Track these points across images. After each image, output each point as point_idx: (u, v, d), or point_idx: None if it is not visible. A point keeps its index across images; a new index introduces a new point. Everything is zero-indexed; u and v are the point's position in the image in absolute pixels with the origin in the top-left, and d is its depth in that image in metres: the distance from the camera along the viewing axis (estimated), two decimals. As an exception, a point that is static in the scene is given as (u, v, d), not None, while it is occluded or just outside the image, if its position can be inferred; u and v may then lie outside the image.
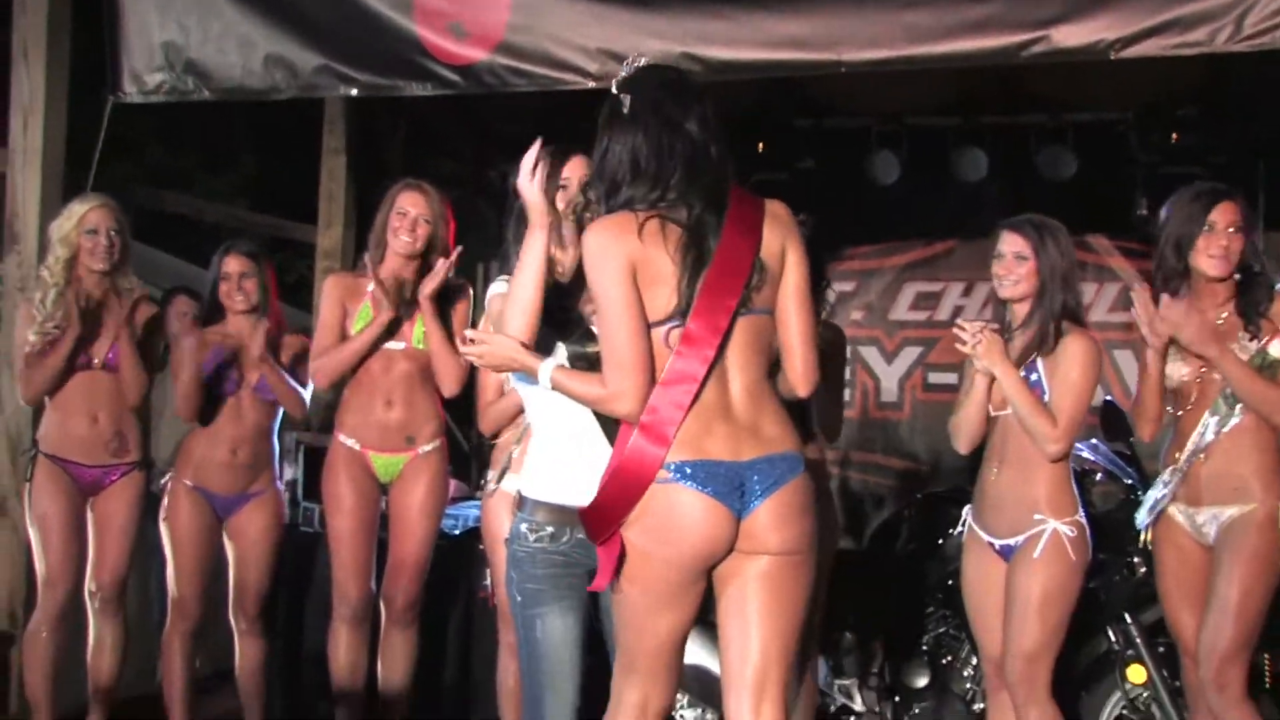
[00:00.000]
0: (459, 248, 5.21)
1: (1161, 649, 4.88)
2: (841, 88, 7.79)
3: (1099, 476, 5.04)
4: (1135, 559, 4.99)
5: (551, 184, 3.82)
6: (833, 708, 5.62)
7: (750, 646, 3.28)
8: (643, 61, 3.45)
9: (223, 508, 5.44)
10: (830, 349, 4.92)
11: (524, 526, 3.63)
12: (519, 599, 3.63)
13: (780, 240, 3.32)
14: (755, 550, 3.24)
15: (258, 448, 5.48)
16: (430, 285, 5.10)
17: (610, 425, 3.33)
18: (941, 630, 5.59)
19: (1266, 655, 4.72)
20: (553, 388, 3.34)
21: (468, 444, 8.38)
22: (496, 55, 5.66)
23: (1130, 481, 5.01)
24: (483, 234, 8.91)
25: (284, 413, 5.60)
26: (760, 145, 8.82)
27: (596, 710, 3.50)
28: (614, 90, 3.38)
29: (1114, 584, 5.02)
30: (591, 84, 5.37)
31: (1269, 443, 4.29)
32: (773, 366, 3.40)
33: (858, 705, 5.64)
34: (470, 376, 5.05)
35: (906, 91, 7.79)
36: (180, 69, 6.07)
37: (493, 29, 5.65)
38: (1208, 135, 8.31)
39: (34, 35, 6.06)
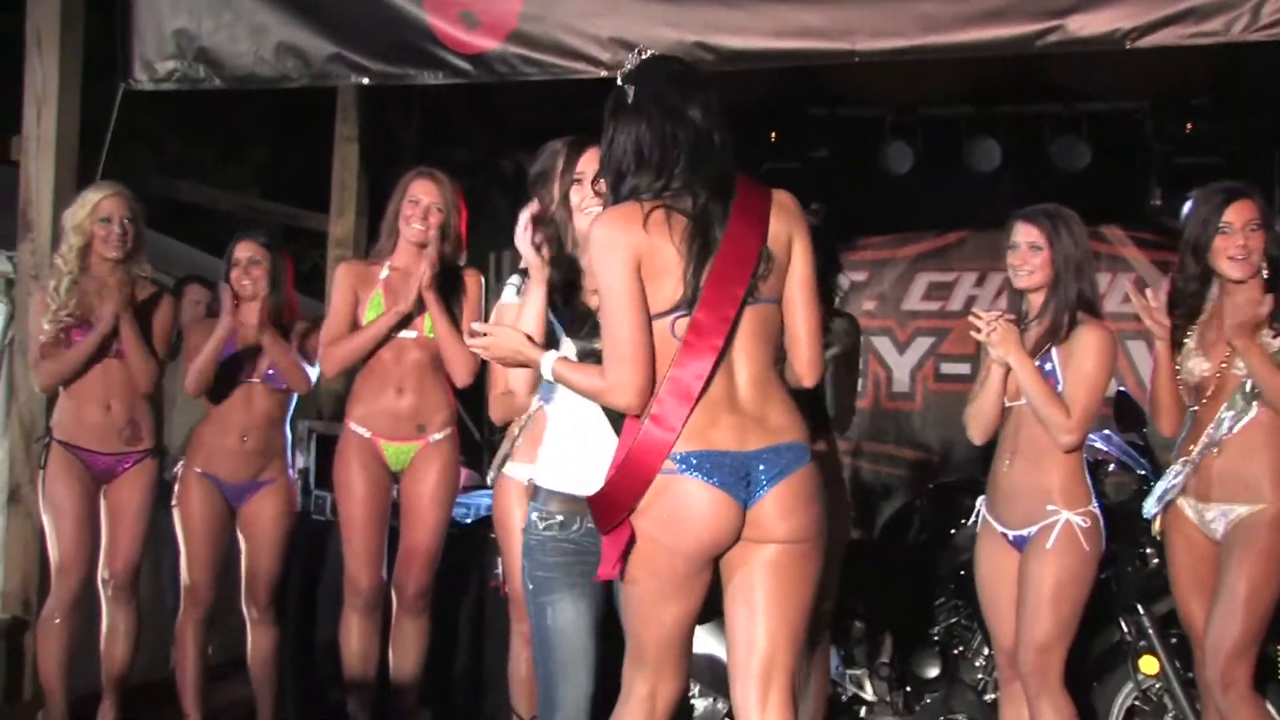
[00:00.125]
0: (446, 241, 5.19)
1: (1174, 640, 4.87)
2: (855, 77, 7.77)
3: (1112, 467, 5.04)
4: (1148, 550, 4.98)
5: (566, 177, 3.82)
6: (844, 697, 5.62)
7: (757, 635, 3.28)
8: (648, 53, 3.45)
9: (234, 495, 5.45)
10: (845, 339, 4.92)
11: (535, 515, 3.65)
12: (531, 587, 3.65)
13: (787, 230, 3.33)
14: (762, 539, 3.24)
15: (267, 436, 5.48)
16: (427, 275, 5.08)
17: (617, 417, 3.34)
18: (953, 620, 5.59)
19: (1279, 647, 4.70)
20: (554, 379, 3.37)
21: (479, 433, 8.40)
22: (509, 44, 5.66)
23: (1143, 472, 5.00)
24: (495, 222, 8.92)
25: (297, 402, 5.61)
26: (773, 134, 8.82)
27: (617, 698, 3.50)
28: (619, 82, 3.39)
29: (1127, 575, 5.01)
30: (604, 73, 5.36)
31: None
32: (779, 355, 3.41)
33: (869, 695, 5.65)
34: (482, 365, 5.06)
35: (920, 81, 7.77)
36: (192, 57, 6.08)
37: (505, 18, 5.65)
38: (1223, 125, 8.29)
39: (48, 24, 6.06)
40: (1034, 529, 4.31)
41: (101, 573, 5.41)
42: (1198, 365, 4.37)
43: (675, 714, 3.44)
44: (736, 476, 3.20)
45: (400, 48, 5.81)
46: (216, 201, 9.72)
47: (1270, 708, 4.44)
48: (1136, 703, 5.01)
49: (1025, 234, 4.39)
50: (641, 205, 3.23)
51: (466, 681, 5.91)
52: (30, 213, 6.04)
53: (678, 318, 3.22)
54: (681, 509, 3.19)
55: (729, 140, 3.32)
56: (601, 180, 3.44)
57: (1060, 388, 4.29)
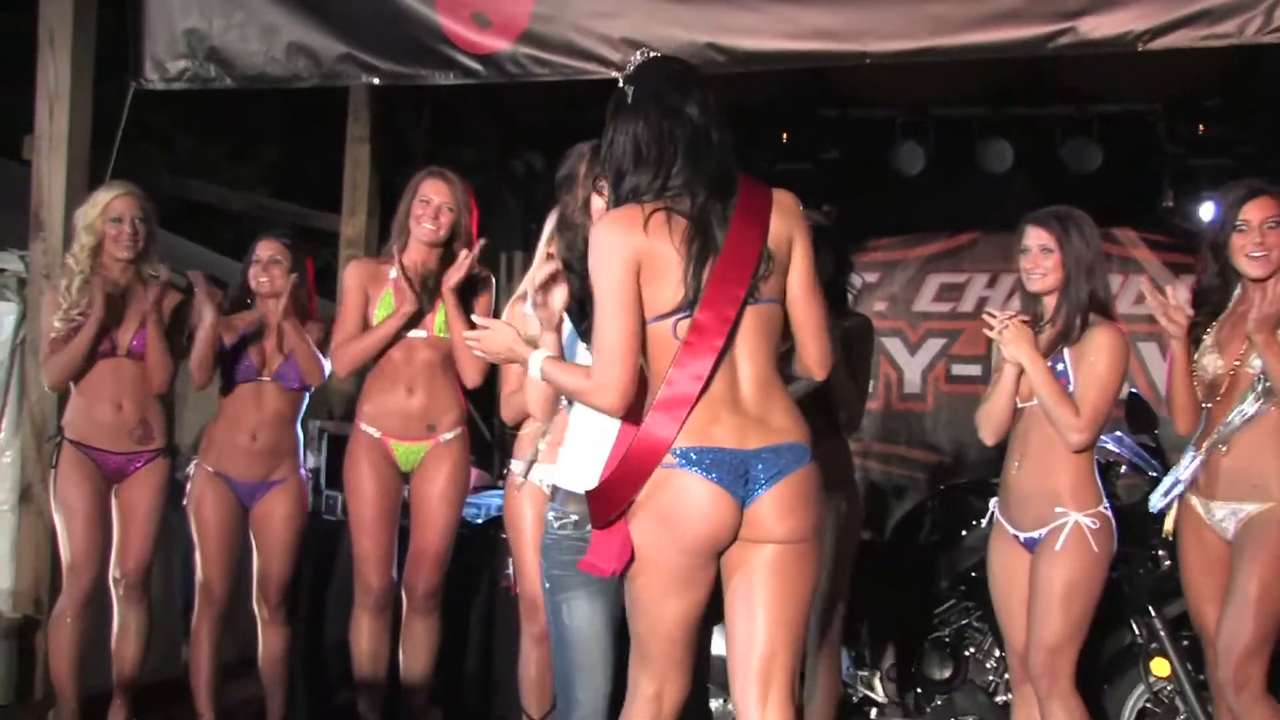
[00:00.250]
0: (483, 239, 5.21)
1: (1186, 642, 4.86)
2: (867, 78, 7.77)
3: (1124, 469, 5.04)
4: (1160, 552, 4.98)
5: (589, 182, 3.84)
6: (855, 699, 5.62)
7: (757, 635, 3.30)
8: (648, 54, 3.49)
9: (246, 495, 5.46)
10: (858, 339, 4.92)
11: (551, 515, 3.69)
12: (547, 585, 3.69)
13: (787, 229, 3.34)
14: (760, 539, 3.26)
15: (278, 435, 5.48)
16: (454, 277, 5.10)
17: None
18: (964, 622, 5.59)
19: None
20: (542, 378, 3.42)
21: (490, 433, 8.39)
22: (520, 44, 5.66)
23: (1155, 474, 4.99)
24: (506, 222, 8.92)
25: (308, 401, 5.61)
26: (785, 135, 8.83)
27: None
28: (620, 84, 3.42)
29: (1138, 576, 5.01)
30: (615, 74, 5.35)
31: None
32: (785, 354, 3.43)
33: (880, 696, 5.65)
34: (493, 366, 5.06)
35: (932, 82, 7.76)
36: (203, 56, 6.08)
37: (516, 18, 5.65)
38: (1235, 127, 8.29)
39: (60, 22, 6.06)
40: (1044, 531, 4.30)
41: (113, 572, 5.42)
42: (1212, 362, 4.37)
43: (685, 714, 3.45)
44: (735, 474, 3.22)
45: (411, 48, 5.81)
46: (227, 201, 9.73)
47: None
48: (1148, 705, 5.01)
49: (1036, 237, 4.38)
50: (642, 208, 3.26)
51: (477, 682, 5.91)
52: (42, 212, 6.04)
53: (680, 319, 3.24)
54: (680, 504, 3.22)
55: (728, 139, 3.34)
56: (602, 180, 3.46)
57: (1071, 388, 4.28)
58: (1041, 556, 4.29)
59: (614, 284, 3.23)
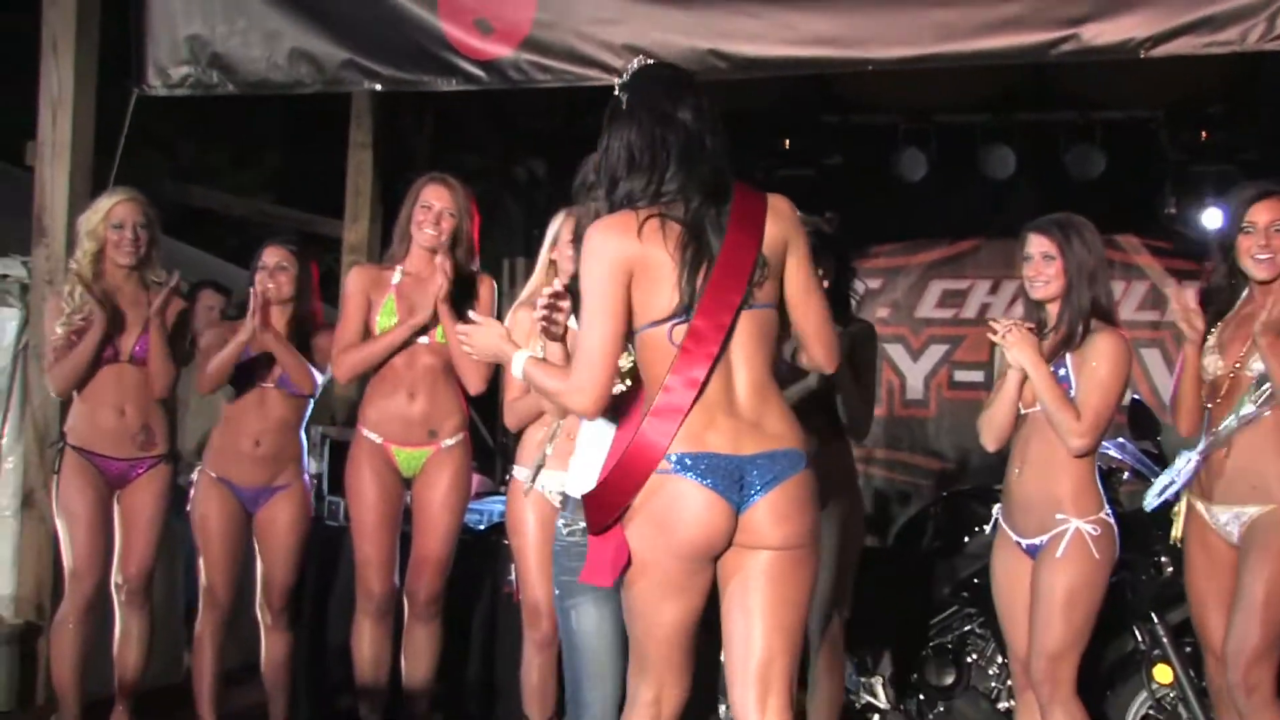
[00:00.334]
0: (458, 252, 5.18)
1: (1189, 649, 4.86)
2: (869, 84, 7.78)
3: (1126, 475, 5.04)
4: (1163, 558, 4.98)
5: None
6: (858, 705, 5.61)
7: (754, 641, 3.30)
8: (644, 61, 3.52)
9: (249, 500, 5.45)
10: (861, 345, 4.92)
11: (561, 522, 3.74)
12: (558, 592, 3.73)
13: (782, 234, 3.35)
14: (756, 545, 3.27)
15: (281, 441, 5.47)
16: (437, 287, 5.08)
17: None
18: (967, 629, 5.58)
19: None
20: (523, 378, 3.47)
21: (492, 439, 8.39)
22: (522, 51, 5.67)
23: (1157, 480, 4.99)
24: (508, 228, 8.93)
25: (312, 408, 5.61)
26: (787, 141, 8.84)
27: None
28: (615, 91, 3.44)
29: (1141, 583, 5.00)
30: (617, 80, 5.35)
31: None
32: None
33: (882, 703, 5.64)
34: (496, 372, 5.06)
35: (935, 88, 7.76)
36: (205, 62, 6.10)
37: (519, 24, 5.66)
38: (1237, 133, 8.30)
39: (63, 28, 6.07)
40: (1045, 537, 4.29)
41: (115, 578, 5.42)
42: (1213, 363, 4.39)
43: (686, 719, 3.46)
44: (730, 480, 3.23)
45: (413, 54, 5.82)
46: (230, 207, 9.74)
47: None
48: (1150, 712, 5.00)
49: (1038, 245, 4.38)
50: (636, 214, 3.27)
51: (479, 688, 5.91)
52: (45, 218, 6.05)
53: (675, 324, 3.26)
54: (675, 508, 3.23)
55: (723, 145, 3.36)
56: (599, 187, 3.48)
57: (1073, 393, 4.28)
58: (1043, 563, 4.29)
59: (600, 288, 3.25)
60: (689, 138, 3.31)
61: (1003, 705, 5.41)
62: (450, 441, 5.28)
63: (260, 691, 5.66)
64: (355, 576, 5.34)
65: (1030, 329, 4.35)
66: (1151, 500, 4.53)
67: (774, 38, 5.44)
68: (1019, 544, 4.39)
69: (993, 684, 5.49)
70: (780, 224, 3.35)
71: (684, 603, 3.31)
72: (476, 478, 5.73)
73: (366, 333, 5.25)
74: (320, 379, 5.48)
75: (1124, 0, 5.07)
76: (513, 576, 5.20)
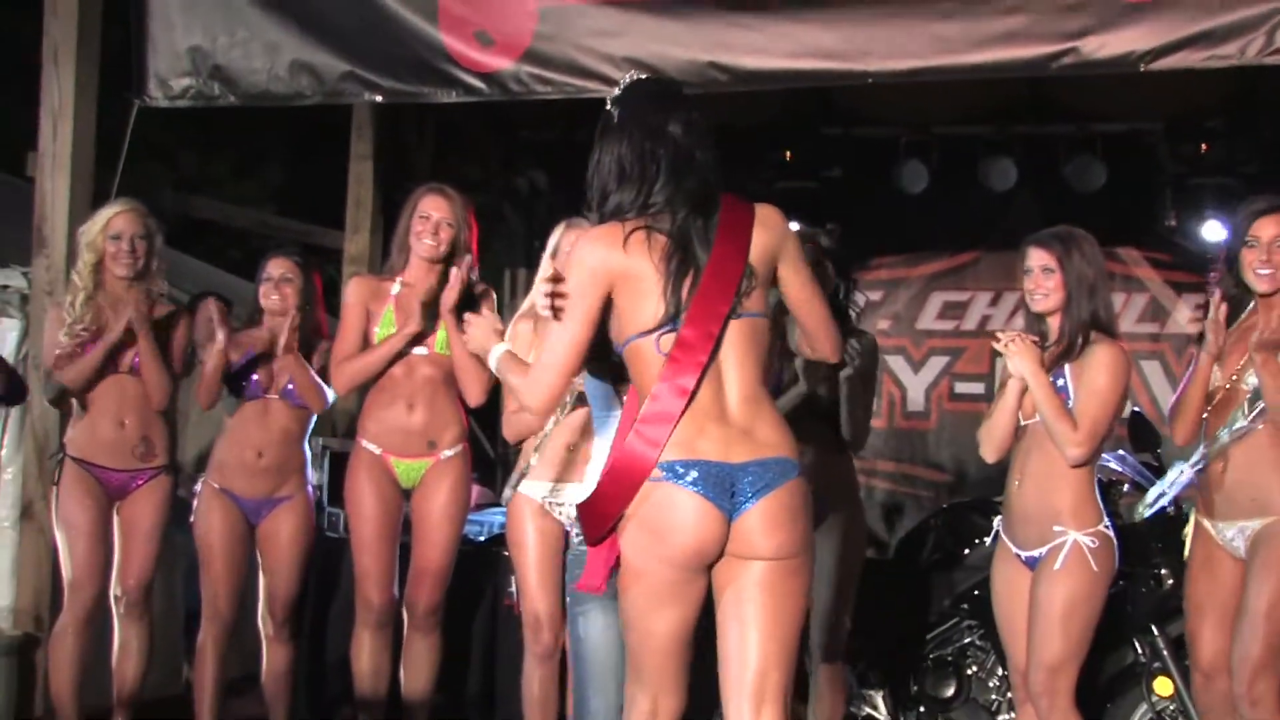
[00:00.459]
0: (467, 256, 5.19)
1: (1188, 661, 4.84)
2: (869, 97, 7.77)
3: (1126, 487, 5.04)
4: (1162, 570, 4.97)
5: None
6: (858, 717, 5.60)
7: (749, 652, 3.30)
8: (637, 76, 3.56)
9: (252, 511, 5.44)
10: (865, 357, 4.92)
11: (574, 531, 3.75)
12: (568, 599, 3.76)
13: (772, 244, 3.37)
14: (749, 554, 3.27)
15: (284, 452, 5.47)
16: (450, 297, 5.08)
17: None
18: (967, 641, 5.58)
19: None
20: (495, 370, 3.58)
21: (493, 450, 8.39)
22: (522, 63, 5.68)
23: (1157, 493, 4.99)
24: (509, 239, 8.93)
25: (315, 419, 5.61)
26: (788, 154, 8.85)
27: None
28: (607, 105, 3.47)
29: (1140, 595, 5.00)
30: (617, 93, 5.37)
31: None
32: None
33: (882, 714, 5.63)
34: (496, 384, 5.05)
35: (935, 101, 7.78)
36: (206, 74, 6.10)
37: (519, 37, 5.67)
38: (1237, 147, 8.29)
39: (64, 39, 6.08)
40: (1044, 549, 4.29)
41: (114, 589, 5.41)
42: (1214, 374, 4.39)
43: None
44: (721, 487, 3.23)
45: (414, 66, 5.83)
46: (231, 218, 9.76)
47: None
48: (1150, 724, 5.00)
49: (1038, 258, 4.39)
50: (623, 226, 3.30)
51: (478, 699, 5.91)
52: (45, 229, 6.05)
53: (663, 334, 3.27)
54: (666, 515, 3.24)
55: (712, 158, 3.38)
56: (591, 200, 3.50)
57: (1071, 403, 4.28)
58: (1041, 575, 4.29)
59: (578, 296, 3.30)
60: (678, 151, 3.33)
61: (1003, 718, 5.41)
62: (449, 452, 5.28)
63: (259, 702, 5.65)
64: (354, 588, 5.34)
65: (1034, 341, 4.36)
66: (1143, 510, 4.54)
67: (774, 50, 5.45)
68: (1018, 556, 4.39)
69: (993, 696, 5.49)
70: (768, 234, 3.37)
71: (677, 612, 3.31)
72: (476, 489, 5.73)
73: (366, 344, 5.25)
74: (331, 396, 5.48)
75: (1124, 14, 5.07)
76: (513, 588, 5.19)
